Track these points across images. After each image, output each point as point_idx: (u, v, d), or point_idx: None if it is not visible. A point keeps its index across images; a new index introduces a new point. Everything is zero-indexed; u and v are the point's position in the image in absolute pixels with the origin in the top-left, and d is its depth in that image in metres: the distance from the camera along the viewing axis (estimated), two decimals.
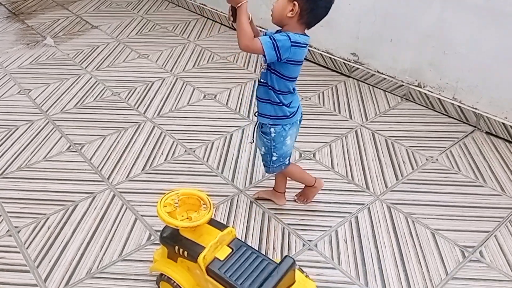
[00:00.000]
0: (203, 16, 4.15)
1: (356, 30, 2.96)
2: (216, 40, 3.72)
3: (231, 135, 2.53)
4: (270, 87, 1.63)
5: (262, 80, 1.65)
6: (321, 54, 3.22)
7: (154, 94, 2.94)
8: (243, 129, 2.57)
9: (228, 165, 2.30)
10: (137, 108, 2.80)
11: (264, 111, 1.69)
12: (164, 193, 1.49)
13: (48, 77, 3.15)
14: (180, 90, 3.00)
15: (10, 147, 2.44)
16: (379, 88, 2.95)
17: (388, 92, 2.91)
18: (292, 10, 1.50)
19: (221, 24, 3.98)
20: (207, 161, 2.33)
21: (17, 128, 2.59)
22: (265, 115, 1.70)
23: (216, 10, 3.99)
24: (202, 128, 2.59)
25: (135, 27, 3.94)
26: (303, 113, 1.81)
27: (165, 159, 2.35)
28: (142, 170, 2.27)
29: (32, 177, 2.23)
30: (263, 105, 1.68)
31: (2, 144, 2.46)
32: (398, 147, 2.41)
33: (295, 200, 2.04)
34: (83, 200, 2.08)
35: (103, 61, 3.37)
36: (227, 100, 2.86)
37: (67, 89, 3.00)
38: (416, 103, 2.80)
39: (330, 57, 3.17)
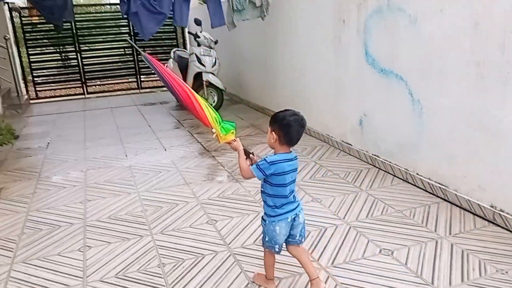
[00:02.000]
0: (375, 166, 4.23)
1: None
2: (389, 191, 3.70)
3: None
4: (265, 193, 2.28)
5: (262, 189, 2.30)
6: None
7: (327, 241, 2.95)
8: None
9: None
10: (311, 253, 2.82)
11: (264, 208, 2.32)
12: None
13: (232, 210, 3.47)
14: (354, 240, 2.95)
15: (195, 275, 2.64)
16: (469, 212, 3.19)
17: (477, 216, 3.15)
18: (273, 137, 2.18)
19: (394, 175, 3.98)
20: None
21: (203, 257, 2.83)
22: (264, 210, 2.32)
23: (390, 162, 4.05)
24: None
25: (308, 172, 4.21)
26: None
27: None
28: None
29: None
30: (263, 203, 2.32)
31: (190, 270, 2.69)
32: (472, 258, 2.62)
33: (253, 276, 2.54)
34: None
35: None
36: (406, 259, 2.68)
37: (248, 224, 3.23)
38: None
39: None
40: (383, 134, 4.12)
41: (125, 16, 5.38)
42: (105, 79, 10.32)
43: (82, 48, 9.67)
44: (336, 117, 4.86)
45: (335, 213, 3.35)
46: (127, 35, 9.98)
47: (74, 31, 9.46)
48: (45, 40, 9.64)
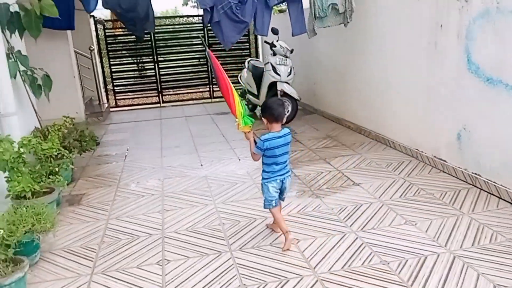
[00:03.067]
0: (475, 186, 3.75)
1: None
2: (496, 216, 3.22)
3: None
4: (263, 163, 2.96)
5: (262, 160, 2.95)
6: None
7: (429, 273, 2.58)
8: None
9: None
10: (411, 285, 2.47)
11: (261, 174, 2.99)
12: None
13: (314, 229, 3.21)
14: (461, 273, 2.55)
15: None
16: None
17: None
18: (264, 122, 2.90)
19: (499, 198, 3.49)
20: None
21: (288, 281, 2.58)
22: (262, 176, 3.00)
23: (494, 182, 3.56)
24: None
25: (397, 189, 3.83)
26: None
27: None
28: None
29: None
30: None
31: None
32: None
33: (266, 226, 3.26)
34: None
35: (367, 222, 3.27)
36: None
37: (334, 246, 2.95)
38: None
39: None
40: (487, 151, 3.63)
41: (208, 25, 5.39)
42: (178, 89, 10.56)
43: (159, 59, 9.98)
44: (426, 130, 4.42)
45: (435, 239, 2.96)
46: (201, 45, 10.15)
47: (153, 42, 9.79)
48: (124, 52, 10.09)
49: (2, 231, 2.66)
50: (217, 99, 10.16)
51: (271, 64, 6.74)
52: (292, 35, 5.55)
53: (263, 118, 2.90)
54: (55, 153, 3.46)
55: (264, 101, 3.08)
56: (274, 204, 2.99)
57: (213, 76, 10.20)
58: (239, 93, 8.43)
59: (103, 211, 3.79)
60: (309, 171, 4.49)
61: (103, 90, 9.71)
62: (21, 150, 3.03)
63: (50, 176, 3.43)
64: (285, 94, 6.69)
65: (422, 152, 4.52)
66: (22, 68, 4.10)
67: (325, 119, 7.02)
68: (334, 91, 6.76)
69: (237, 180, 4.36)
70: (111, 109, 9.48)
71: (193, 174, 4.66)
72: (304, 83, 7.71)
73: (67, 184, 4.53)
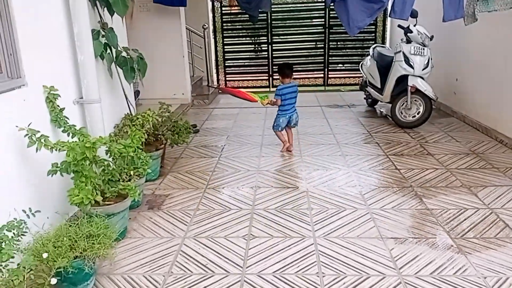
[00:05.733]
0: None
1: None
2: None
3: None
4: (279, 105, 4.67)
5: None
6: None
7: None
8: None
9: None
10: None
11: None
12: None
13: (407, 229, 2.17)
14: None
15: None
16: None
17: None
18: (280, 77, 4.66)
19: None
20: None
21: (368, 277, 1.64)
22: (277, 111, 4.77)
23: None
24: None
25: None
26: None
27: None
28: None
29: None
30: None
31: None
32: None
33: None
34: None
35: None
36: None
37: (424, 251, 1.91)
38: None
39: None
40: None
41: (331, 5, 4.45)
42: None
43: (273, 40, 9.25)
44: None
45: None
46: (321, 27, 9.14)
47: (269, 22, 9.07)
48: (240, 31, 9.55)
49: (46, 254, 2.16)
50: (331, 87, 9.13)
51: (404, 53, 5.51)
52: (443, 20, 4.31)
53: (279, 76, 4.67)
54: (132, 154, 2.90)
55: (282, 64, 4.73)
56: (280, 129, 4.72)
57: (329, 61, 9.22)
58: (359, 84, 7.32)
59: (182, 225, 3.19)
60: (447, 204, 3.34)
61: (214, 70, 9.36)
62: (86, 151, 2.49)
63: (122, 182, 2.89)
64: (417, 91, 5.44)
65: None
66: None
67: (467, 127, 5.58)
68: (485, 92, 5.29)
69: (346, 204, 3.42)
70: (220, 92, 9.07)
71: (291, 184, 3.83)
72: (441, 78, 6.28)
73: (154, 180, 4.09)
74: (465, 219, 3.08)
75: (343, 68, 9.49)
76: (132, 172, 2.98)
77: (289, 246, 2.84)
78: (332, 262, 2.62)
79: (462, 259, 2.59)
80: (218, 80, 9.49)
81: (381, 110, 6.69)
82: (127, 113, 4.11)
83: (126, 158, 2.98)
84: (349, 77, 9.34)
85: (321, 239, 2.90)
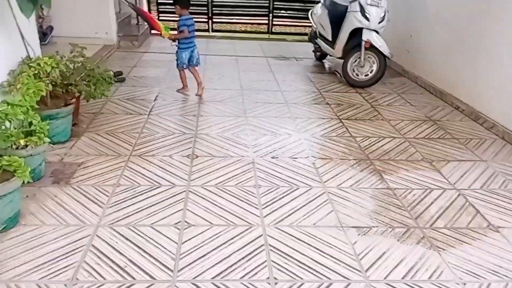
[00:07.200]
0: None
1: None
2: None
3: None
4: (179, 40, 4.40)
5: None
6: None
7: None
8: None
9: None
10: None
11: (177, 46, 4.45)
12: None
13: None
14: None
15: None
16: None
17: None
18: (177, 9, 4.33)
19: None
20: None
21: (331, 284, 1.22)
22: (178, 46, 4.45)
23: None
24: None
25: None
26: None
27: None
28: None
29: None
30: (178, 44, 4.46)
31: None
32: None
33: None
34: None
35: None
36: None
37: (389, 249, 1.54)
38: None
39: None
40: None
41: None
42: (232, 17, 8.85)
43: None
44: None
45: None
46: None
47: None
48: None
49: None
50: (276, 36, 8.45)
51: (359, 3, 4.94)
52: None
53: (175, 7, 4.32)
54: (22, 117, 2.11)
55: None
56: (184, 67, 4.49)
57: (274, 6, 8.45)
58: (308, 35, 6.70)
59: (96, 207, 2.50)
60: (410, 182, 2.96)
61: (146, 8, 8.20)
62: None
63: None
64: (371, 47, 4.96)
65: None
66: None
67: (420, 89, 5.26)
68: (442, 53, 4.93)
69: (298, 179, 2.92)
70: (152, 32, 8.00)
71: (235, 153, 3.25)
72: (395, 34, 5.84)
73: (64, 142, 3.29)
74: (432, 203, 2.72)
75: (290, 15, 8.77)
76: (22, 141, 2.20)
77: (232, 238, 2.30)
78: (286, 262, 2.15)
79: (436, 258, 2.21)
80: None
81: (330, 65, 6.17)
82: (26, 57, 3.18)
83: (13, 122, 2.18)
84: (296, 26, 8.68)
85: (272, 229, 2.39)
